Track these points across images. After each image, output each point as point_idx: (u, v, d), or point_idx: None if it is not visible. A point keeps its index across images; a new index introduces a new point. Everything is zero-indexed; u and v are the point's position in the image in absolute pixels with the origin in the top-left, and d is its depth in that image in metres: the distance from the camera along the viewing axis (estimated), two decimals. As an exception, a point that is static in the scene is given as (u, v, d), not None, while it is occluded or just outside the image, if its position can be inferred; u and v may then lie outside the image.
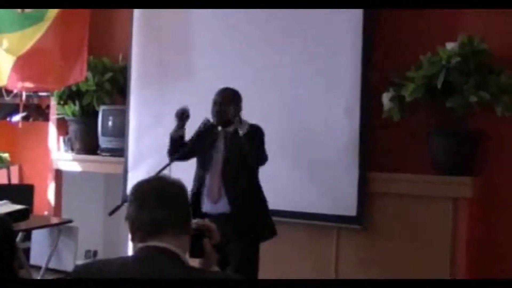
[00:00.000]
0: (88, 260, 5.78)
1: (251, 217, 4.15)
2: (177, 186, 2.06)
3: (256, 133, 4.10)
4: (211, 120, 4.19)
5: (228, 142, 4.18)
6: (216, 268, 2.13)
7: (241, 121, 4.06)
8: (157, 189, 2.02)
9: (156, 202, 1.98)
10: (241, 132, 4.04)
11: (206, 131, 4.22)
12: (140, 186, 2.05)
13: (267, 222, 4.24)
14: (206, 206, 4.17)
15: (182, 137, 4.33)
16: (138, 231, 1.99)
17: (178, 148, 4.30)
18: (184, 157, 4.32)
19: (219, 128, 4.23)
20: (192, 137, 4.30)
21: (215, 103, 4.18)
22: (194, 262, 2.11)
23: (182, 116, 4.27)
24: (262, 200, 4.24)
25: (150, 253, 1.96)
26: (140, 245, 1.98)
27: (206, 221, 2.19)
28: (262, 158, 4.13)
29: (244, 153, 4.07)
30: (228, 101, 4.16)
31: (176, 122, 4.29)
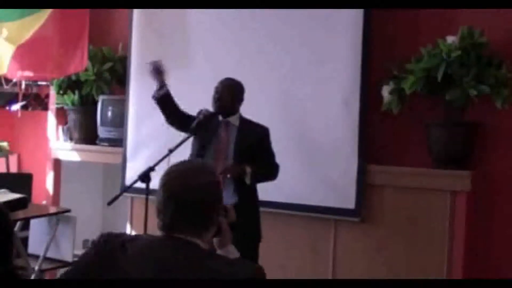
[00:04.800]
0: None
1: (251, 211, 4.13)
2: (205, 189, 2.03)
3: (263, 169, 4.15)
4: (210, 109, 4.18)
5: (229, 132, 4.17)
6: (231, 247, 2.23)
7: (245, 172, 4.05)
8: (180, 190, 2.00)
9: (174, 206, 1.99)
10: (247, 181, 4.06)
11: (206, 121, 4.15)
12: (167, 179, 2.04)
13: (257, 224, 4.22)
14: None
15: (168, 95, 4.19)
16: (160, 222, 2.03)
17: (172, 108, 4.21)
18: (181, 122, 4.22)
19: (220, 117, 4.21)
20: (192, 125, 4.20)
21: (217, 91, 4.15)
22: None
23: (157, 71, 4.14)
24: (256, 195, 4.23)
25: (171, 241, 2.00)
26: (162, 233, 2.04)
27: None
28: (276, 173, 4.21)
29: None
30: (229, 90, 4.15)
31: (155, 82, 4.16)
